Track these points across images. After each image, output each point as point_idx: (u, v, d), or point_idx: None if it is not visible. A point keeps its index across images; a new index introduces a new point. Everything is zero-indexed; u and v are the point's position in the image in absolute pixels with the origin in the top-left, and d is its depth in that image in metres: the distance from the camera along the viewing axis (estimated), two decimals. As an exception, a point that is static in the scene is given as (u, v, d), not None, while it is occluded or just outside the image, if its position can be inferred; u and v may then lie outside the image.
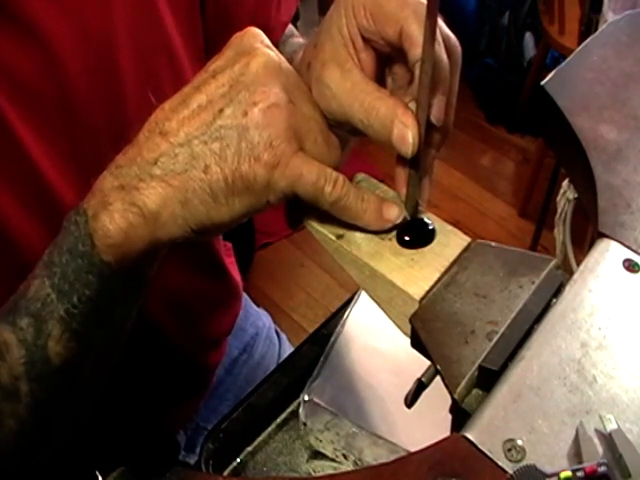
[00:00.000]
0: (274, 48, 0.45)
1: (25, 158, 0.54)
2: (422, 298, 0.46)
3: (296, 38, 0.74)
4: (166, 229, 0.42)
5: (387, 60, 0.51)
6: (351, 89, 0.48)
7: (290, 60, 0.67)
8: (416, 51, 0.45)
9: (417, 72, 0.45)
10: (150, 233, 0.42)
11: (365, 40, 0.49)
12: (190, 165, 0.41)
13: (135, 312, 0.51)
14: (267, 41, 0.45)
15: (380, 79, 0.51)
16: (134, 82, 0.59)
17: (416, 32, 0.45)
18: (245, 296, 0.93)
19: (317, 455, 0.67)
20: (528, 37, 2.60)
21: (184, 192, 0.41)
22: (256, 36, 0.45)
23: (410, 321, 0.46)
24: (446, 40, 0.47)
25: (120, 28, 0.57)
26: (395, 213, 0.46)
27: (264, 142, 0.40)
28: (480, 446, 0.38)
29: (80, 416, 0.57)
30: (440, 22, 0.45)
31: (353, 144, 0.68)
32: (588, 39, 0.68)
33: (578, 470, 0.35)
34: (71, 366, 0.48)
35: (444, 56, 0.46)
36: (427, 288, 0.46)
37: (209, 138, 0.41)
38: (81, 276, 0.44)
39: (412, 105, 0.46)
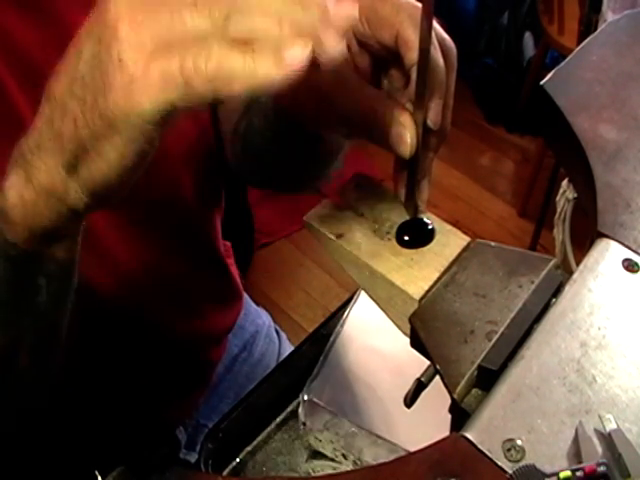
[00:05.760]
0: None
1: None
2: (422, 298, 0.46)
3: None
4: (63, 202, 0.39)
5: (383, 63, 0.51)
6: (347, 93, 0.48)
7: None
8: (412, 55, 0.45)
9: (413, 75, 0.45)
10: (48, 208, 0.39)
11: (360, 44, 0.49)
12: (62, 122, 0.36)
13: (69, 306, 0.49)
14: None
15: (376, 82, 0.51)
16: None
17: (412, 36, 0.45)
18: (245, 295, 0.94)
19: (316, 455, 0.67)
20: (527, 37, 2.60)
21: (63, 155, 0.37)
22: None
23: (410, 321, 0.46)
24: (441, 42, 0.47)
25: None
26: (298, 50, 0.33)
27: (113, 63, 0.33)
28: (479, 446, 0.38)
29: (27, 409, 0.55)
30: (435, 24, 0.45)
31: (347, 148, 0.68)
32: (587, 39, 0.68)
33: (577, 470, 0.35)
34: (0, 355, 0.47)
35: (440, 59, 0.46)
36: (427, 288, 0.46)
37: (75, 85, 0.35)
38: None
39: (409, 106, 0.47)
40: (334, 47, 0.33)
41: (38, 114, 0.38)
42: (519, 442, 0.38)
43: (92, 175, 0.37)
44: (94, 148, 0.36)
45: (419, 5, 0.45)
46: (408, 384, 0.45)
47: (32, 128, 0.39)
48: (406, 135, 0.45)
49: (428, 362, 0.45)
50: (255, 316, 0.97)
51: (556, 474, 0.35)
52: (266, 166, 0.73)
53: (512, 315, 0.44)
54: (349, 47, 0.50)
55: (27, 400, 0.54)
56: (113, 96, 0.33)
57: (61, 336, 0.51)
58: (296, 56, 0.32)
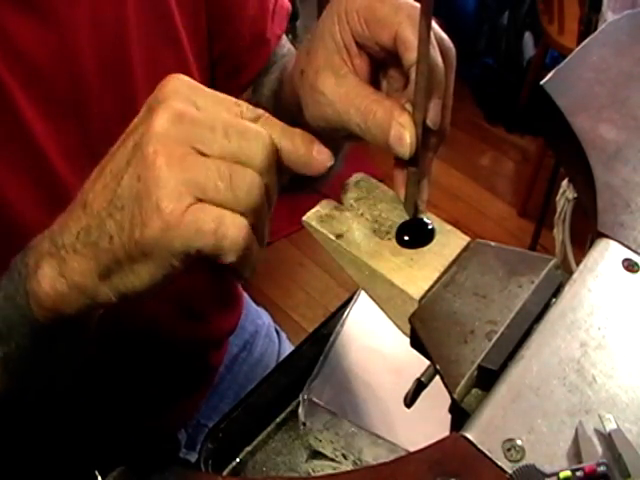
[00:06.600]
0: (192, 92, 0.40)
1: (33, 142, 0.55)
2: (421, 298, 0.46)
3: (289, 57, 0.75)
4: (92, 298, 0.42)
5: (381, 64, 0.51)
6: (346, 94, 0.48)
7: (282, 68, 0.68)
8: (411, 55, 0.45)
9: (412, 75, 0.45)
10: (77, 300, 0.43)
11: (359, 46, 0.49)
12: (99, 237, 0.40)
13: (84, 349, 0.52)
14: (185, 87, 0.40)
15: (375, 83, 0.51)
16: (143, 71, 0.61)
17: (410, 36, 0.45)
18: (245, 295, 0.94)
19: (316, 455, 0.67)
20: (527, 37, 2.60)
21: (98, 265, 0.41)
22: (173, 83, 0.40)
23: (409, 321, 0.46)
24: (440, 42, 0.47)
25: (131, 18, 0.59)
26: None
27: (152, 206, 0.37)
28: (479, 446, 0.38)
29: (33, 426, 0.59)
30: (434, 24, 0.45)
31: (347, 148, 0.68)
32: (587, 39, 0.68)
33: (577, 470, 0.35)
34: (9, 397, 0.50)
35: (439, 59, 0.46)
36: (426, 288, 0.46)
37: (114, 209, 0.39)
38: (18, 326, 0.46)
39: (408, 107, 0.47)
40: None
41: (73, 216, 0.42)
42: (519, 442, 0.38)
43: (124, 284, 0.41)
44: (128, 266, 0.40)
45: (418, 5, 0.45)
46: (408, 384, 0.45)
47: (64, 225, 0.42)
48: (405, 135, 0.45)
49: (428, 362, 0.45)
50: (255, 316, 0.97)
51: (556, 474, 0.35)
52: None
53: (512, 315, 0.44)
54: (348, 50, 0.50)
55: (32, 417, 0.56)
56: (149, 232, 0.37)
57: (72, 372, 0.55)
58: None
